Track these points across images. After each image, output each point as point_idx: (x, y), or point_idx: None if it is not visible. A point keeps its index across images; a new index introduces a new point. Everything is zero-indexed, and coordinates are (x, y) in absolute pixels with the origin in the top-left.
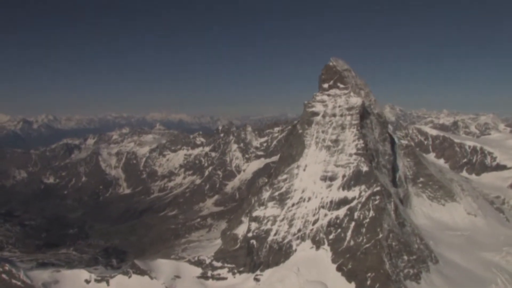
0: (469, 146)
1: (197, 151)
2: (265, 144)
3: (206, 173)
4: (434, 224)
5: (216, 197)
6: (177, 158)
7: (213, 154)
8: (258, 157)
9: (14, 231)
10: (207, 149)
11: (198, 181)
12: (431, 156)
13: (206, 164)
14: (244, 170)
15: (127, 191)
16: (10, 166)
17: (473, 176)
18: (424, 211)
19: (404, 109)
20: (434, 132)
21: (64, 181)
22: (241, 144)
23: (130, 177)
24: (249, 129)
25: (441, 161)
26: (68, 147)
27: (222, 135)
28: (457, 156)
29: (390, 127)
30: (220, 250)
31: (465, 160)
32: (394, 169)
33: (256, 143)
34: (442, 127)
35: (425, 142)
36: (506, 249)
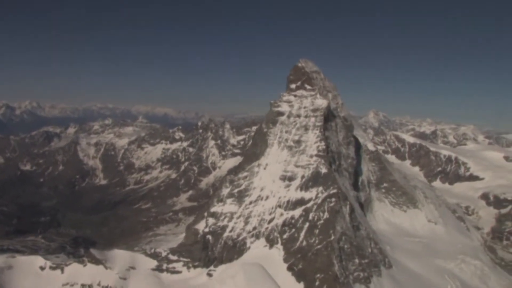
0: (444, 155)
1: (175, 145)
2: (242, 142)
3: (182, 168)
4: (393, 229)
5: (190, 192)
6: (155, 151)
7: (190, 149)
8: (234, 155)
9: None
10: (185, 144)
11: (174, 176)
12: (407, 163)
13: (183, 159)
14: (219, 167)
15: (103, 182)
16: None
17: (446, 185)
18: (385, 216)
19: (388, 116)
20: (411, 140)
21: (41, 169)
22: (219, 141)
23: (107, 168)
24: (227, 126)
25: (416, 169)
26: (48, 135)
27: (200, 131)
28: (432, 164)
29: (371, 132)
30: (181, 244)
31: (439, 168)
32: (357, 173)
33: (233, 140)
34: (422, 135)
35: (402, 149)
36: (461, 257)
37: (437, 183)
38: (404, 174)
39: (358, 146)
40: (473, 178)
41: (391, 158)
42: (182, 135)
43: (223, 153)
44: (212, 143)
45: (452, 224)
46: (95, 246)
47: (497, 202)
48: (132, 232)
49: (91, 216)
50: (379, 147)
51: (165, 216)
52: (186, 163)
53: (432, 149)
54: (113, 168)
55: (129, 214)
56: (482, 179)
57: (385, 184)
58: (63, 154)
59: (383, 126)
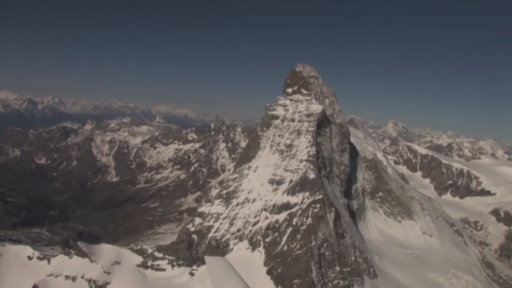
0: (456, 168)
1: (187, 146)
2: None
3: (192, 169)
4: (386, 240)
5: (198, 193)
6: (167, 151)
7: (202, 151)
8: None
9: None
10: (197, 145)
11: (183, 176)
12: (418, 175)
13: (193, 160)
14: (228, 170)
15: (115, 179)
16: (6, 143)
17: (457, 199)
18: (378, 226)
19: (407, 127)
20: (423, 151)
21: (55, 163)
22: (229, 144)
23: (120, 165)
24: (239, 129)
25: (427, 181)
26: (65, 130)
27: (213, 133)
28: (443, 177)
29: (388, 142)
30: (172, 243)
31: (450, 182)
32: (350, 180)
33: (244, 144)
34: (438, 148)
35: (414, 160)
36: (453, 272)
37: (447, 196)
38: (401, 184)
39: (355, 154)
40: (485, 193)
41: (402, 169)
42: (195, 136)
43: (233, 156)
44: (222, 145)
45: (448, 237)
46: (99, 242)
47: (508, 218)
48: (137, 230)
49: (100, 213)
50: (390, 157)
51: (170, 216)
52: (196, 164)
53: (444, 161)
54: (125, 166)
55: (136, 212)
56: (494, 194)
57: (380, 193)
58: (78, 150)
59: (400, 137)
